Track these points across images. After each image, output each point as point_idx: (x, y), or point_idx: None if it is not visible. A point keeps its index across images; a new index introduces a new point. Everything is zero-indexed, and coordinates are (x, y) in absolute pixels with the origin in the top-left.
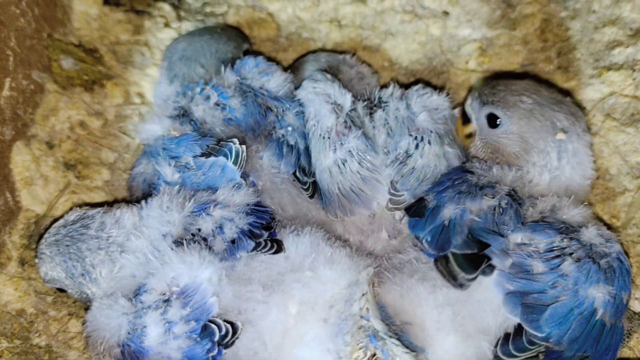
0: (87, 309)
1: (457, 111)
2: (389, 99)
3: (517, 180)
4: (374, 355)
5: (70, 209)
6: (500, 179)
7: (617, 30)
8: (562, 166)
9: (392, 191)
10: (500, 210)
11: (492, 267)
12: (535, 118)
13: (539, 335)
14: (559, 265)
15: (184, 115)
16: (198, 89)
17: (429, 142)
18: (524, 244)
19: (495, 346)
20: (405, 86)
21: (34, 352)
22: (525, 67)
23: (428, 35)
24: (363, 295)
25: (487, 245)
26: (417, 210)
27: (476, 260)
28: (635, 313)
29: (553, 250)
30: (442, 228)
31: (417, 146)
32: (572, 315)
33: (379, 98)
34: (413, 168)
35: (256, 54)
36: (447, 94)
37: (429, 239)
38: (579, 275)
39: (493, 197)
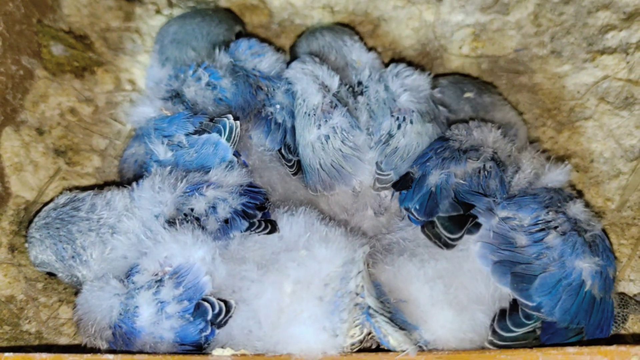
0: (77, 294)
1: (437, 91)
2: (368, 82)
3: (498, 140)
4: (370, 332)
5: (60, 193)
6: (483, 142)
7: (611, 14)
8: (481, 114)
9: (378, 172)
10: (486, 172)
11: (478, 226)
12: (447, 89)
13: (530, 304)
14: (542, 239)
15: (176, 97)
16: (190, 72)
17: (411, 121)
18: (508, 217)
19: (492, 322)
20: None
21: (24, 338)
22: (519, 52)
23: (421, 21)
24: (359, 272)
25: (473, 206)
26: (403, 183)
27: (461, 220)
28: (630, 297)
29: (537, 224)
30: (429, 194)
31: (399, 126)
32: (560, 286)
33: (359, 82)
34: (396, 147)
35: (250, 36)
36: (429, 74)
37: (417, 207)
38: (564, 247)
39: (477, 160)
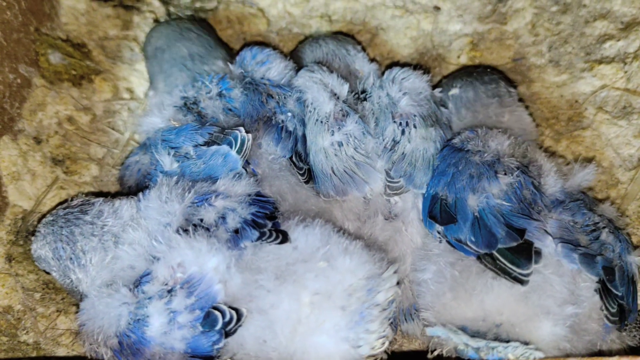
0: (75, 304)
1: (437, 91)
2: (372, 89)
3: (512, 144)
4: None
5: (58, 204)
6: (499, 151)
7: (608, 24)
8: (463, 112)
9: (388, 179)
10: (518, 184)
11: (538, 253)
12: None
13: (618, 294)
14: (598, 237)
15: (185, 107)
16: (201, 83)
17: (414, 126)
18: (566, 221)
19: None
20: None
21: (22, 349)
22: (517, 61)
23: (419, 31)
24: (391, 287)
25: (524, 230)
26: (443, 214)
27: (523, 250)
28: None
29: (589, 226)
30: (477, 222)
31: (403, 132)
32: (626, 278)
33: (363, 90)
34: (403, 154)
35: (250, 44)
36: (425, 72)
37: (472, 238)
38: (617, 243)
39: (506, 174)
